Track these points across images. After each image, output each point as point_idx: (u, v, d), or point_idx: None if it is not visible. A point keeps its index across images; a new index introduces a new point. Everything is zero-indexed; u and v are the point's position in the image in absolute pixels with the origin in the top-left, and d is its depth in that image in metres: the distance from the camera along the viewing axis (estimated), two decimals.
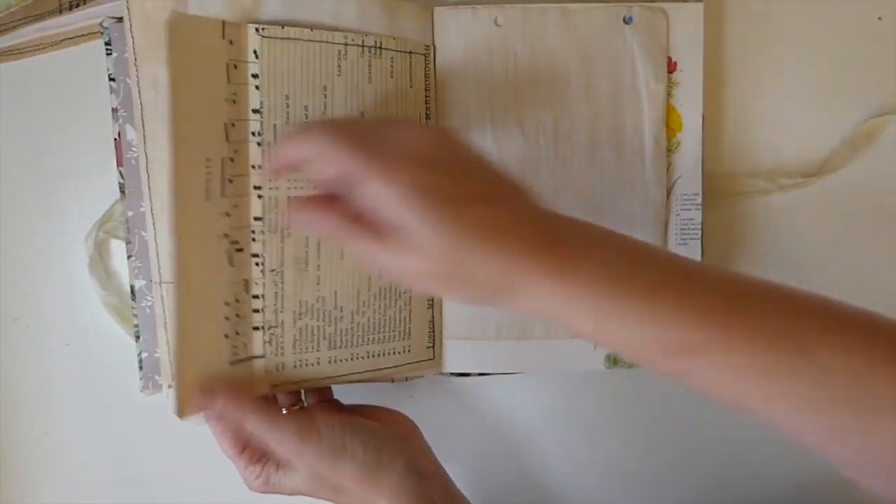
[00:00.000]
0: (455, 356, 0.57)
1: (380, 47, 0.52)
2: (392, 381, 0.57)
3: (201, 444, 0.58)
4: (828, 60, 0.59)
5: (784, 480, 0.62)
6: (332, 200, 0.41)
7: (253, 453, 0.50)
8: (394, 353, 0.55)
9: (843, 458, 0.38)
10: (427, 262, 0.38)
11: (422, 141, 0.40)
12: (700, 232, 0.57)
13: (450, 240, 0.37)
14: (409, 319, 0.55)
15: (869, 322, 0.39)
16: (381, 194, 0.38)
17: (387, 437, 0.50)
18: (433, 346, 0.57)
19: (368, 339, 0.54)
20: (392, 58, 0.53)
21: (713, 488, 0.62)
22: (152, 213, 0.52)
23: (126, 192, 0.53)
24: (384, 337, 0.55)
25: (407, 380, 0.57)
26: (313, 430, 0.48)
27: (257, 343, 0.50)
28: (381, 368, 0.55)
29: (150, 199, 0.52)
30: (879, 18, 0.59)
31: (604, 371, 0.58)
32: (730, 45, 0.58)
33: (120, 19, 0.51)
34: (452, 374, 0.58)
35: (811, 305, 0.39)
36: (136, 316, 0.54)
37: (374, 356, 0.54)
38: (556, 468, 0.61)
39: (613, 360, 0.58)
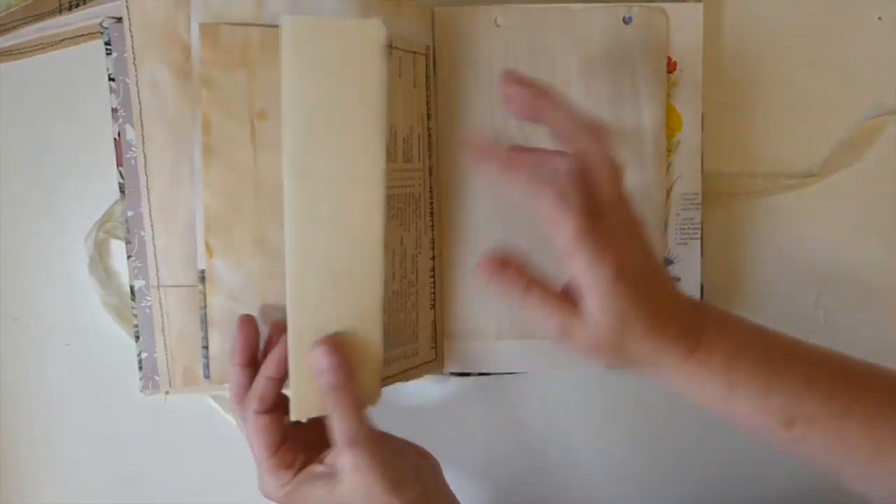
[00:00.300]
0: (456, 356, 0.57)
1: (391, 46, 0.52)
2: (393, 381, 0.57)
3: (201, 444, 0.58)
4: (828, 60, 0.59)
5: (785, 480, 0.62)
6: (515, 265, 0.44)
7: (284, 458, 0.47)
8: (405, 357, 0.55)
9: None
10: (597, 335, 0.43)
11: (625, 226, 0.43)
12: (700, 232, 0.57)
13: (624, 321, 0.42)
14: (417, 322, 0.55)
15: None
16: (591, 274, 0.41)
17: (427, 472, 0.49)
18: (435, 347, 0.57)
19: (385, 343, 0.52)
20: (400, 57, 0.53)
21: (715, 488, 0.62)
22: (150, 214, 0.52)
23: (126, 192, 0.53)
24: (397, 342, 0.54)
25: (408, 380, 0.57)
26: (387, 447, 0.47)
27: None
28: (396, 374, 0.54)
29: (149, 199, 0.51)
30: (879, 18, 0.59)
31: (604, 371, 0.58)
32: (730, 45, 0.58)
33: (120, 19, 0.51)
34: (452, 374, 0.58)
35: None
36: (135, 316, 0.54)
37: (388, 362, 0.53)
38: (556, 468, 0.61)
39: None
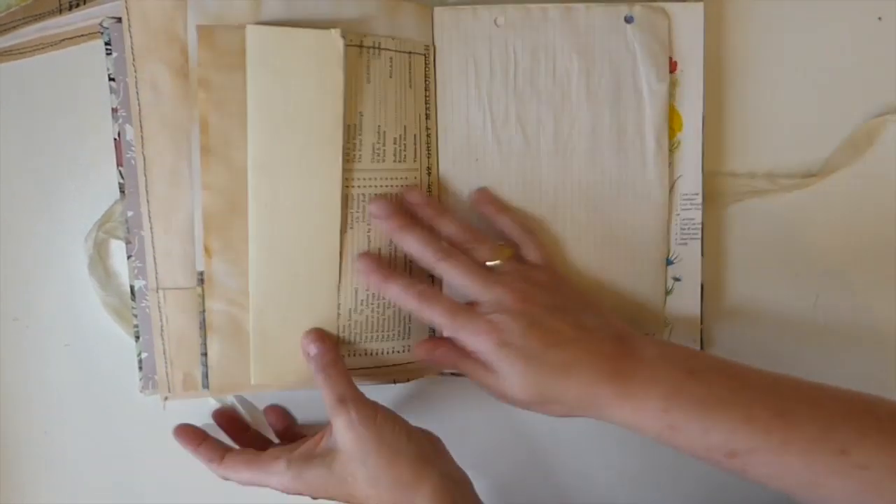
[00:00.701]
0: None
1: (378, 48, 0.52)
2: (395, 381, 0.57)
3: None
4: (828, 60, 0.59)
5: None
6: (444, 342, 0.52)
7: (272, 454, 0.51)
8: (393, 352, 0.55)
9: None
10: (520, 394, 0.48)
11: (517, 296, 0.49)
12: (700, 232, 0.57)
13: (532, 382, 0.47)
14: (409, 319, 0.55)
15: None
16: (477, 349, 0.49)
17: (424, 440, 0.52)
18: None
19: (366, 336, 0.54)
20: (391, 58, 0.53)
21: (715, 488, 0.62)
22: (150, 215, 0.51)
23: (126, 192, 0.53)
24: (382, 336, 0.55)
25: (408, 380, 0.57)
26: (381, 410, 0.50)
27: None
28: (381, 366, 0.55)
29: (148, 200, 0.51)
30: (879, 18, 0.59)
31: None
32: (730, 45, 0.58)
33: (120, 19, 0.51)
34: (452, 374, 0.58)
35: (850, 407, 0.45)
36: (135, 316, 0.54)
37: (372, 354, 0.55)
38: (556, 468, 0.61)
39: None
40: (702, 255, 0.58)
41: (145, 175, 0.51)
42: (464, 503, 0.49)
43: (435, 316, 0.50)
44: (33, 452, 0.57)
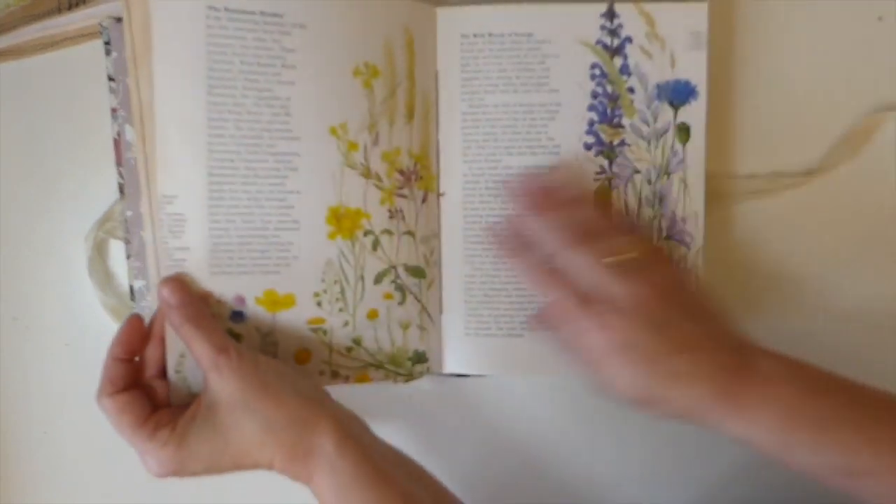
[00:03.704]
0: (455, 356, 0.57)
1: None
2: (394, 381, 0.57)
3: None
4: (828, 60, 0.59)
5: (787, 479, 0.62)
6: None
7: (159, 421, 0.48)
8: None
9: None
10: (628, 393, 0.47)
11: (642, 294, 0.47)
12: (703, 235, 0.57)
13: (643, 385, 0.46)
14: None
15: None
16: (594, 344, 0.47)
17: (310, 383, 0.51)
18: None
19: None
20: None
21: (715, 488, 0.62)
22: (151, 216, 0.51)
23: (125, 192, 0.53)
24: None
25: (408, 380, 0.57)
26: (261, 362, 0.49)
27: None
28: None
29: (149, 200, 0.51)
30: (879, 18, 0.59)
31: None
32: (731, 45, 0.58)
33: (119, 19, 0.51)
34: (452, 374, 0.58)
35: None
36: None
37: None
38: (555, 468, 0.61)
39: None
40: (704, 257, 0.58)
41: (147, 170, 0.50)
42: (361, 436, 0.48)
43: (557, 298, 0.49)
44: (33, 452, 0.57)
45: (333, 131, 0.52)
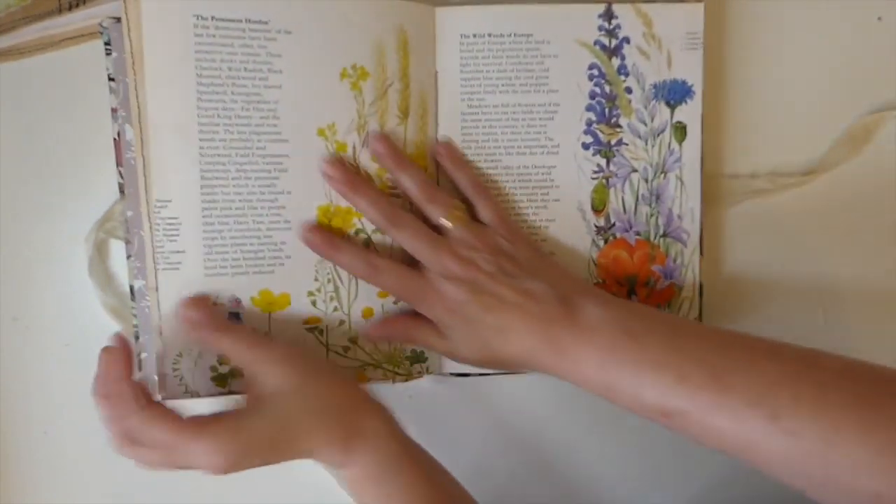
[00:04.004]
0: None
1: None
2: (393, 381, 0.57)
3: None
4: (828, 61, 0.59)
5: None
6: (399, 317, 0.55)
7: (197, 420, 0.46)
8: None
9: (824, 502, 0.42)
10: (468, 355, 0.51)
11: (462, 263, 0.50)
12: (700, 231, 0.57)
13: (476, 346, 0.50)
14: None
15: (844, 380, 0.43)
16: (427, 314, 0.51)
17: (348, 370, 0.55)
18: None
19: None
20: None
21: (714, 489, 0.62)
22: (149, 217, 0.51)
23: (126, 192, 0.53)
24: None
25: (407, 380, 0.57)
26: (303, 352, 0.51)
27: None
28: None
29: (147, 202, 0.51)
30: (879, 18, 0.59)
31: None
32: (730, 45, 0.58)
33: (119, 19, 0.51)
34: (452, 374, 0.58)
35: (790, 368, 0.44)
36: (135, 316, 0.54)
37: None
38: (555, 468, 0.61)
39: None
40: (701, 254, 0.58)
41: (145, 176, 0.51)
42: (401, 426, 0.51)
43: (387, 284, 0.52)
44: (33, 452, 0.57)
45: (321, 133, 0.52)
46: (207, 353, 0.52)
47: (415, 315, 0.53)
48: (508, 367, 0.51)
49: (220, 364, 0.53)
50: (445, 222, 0.52)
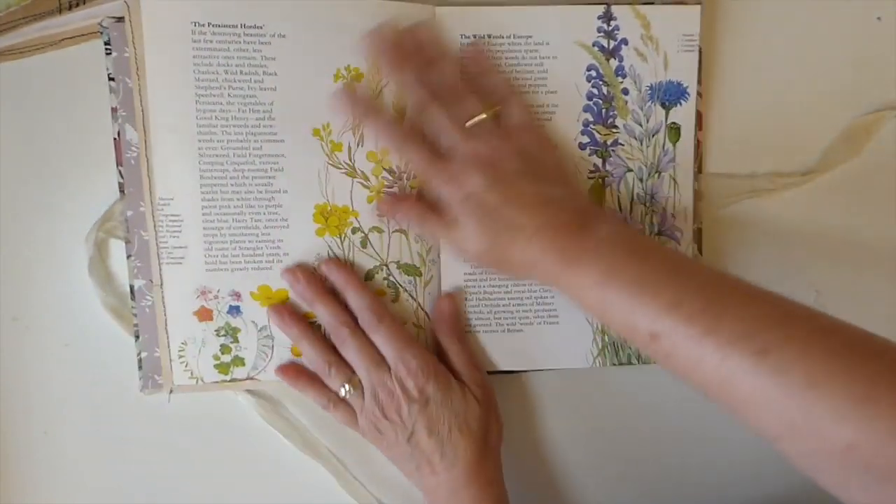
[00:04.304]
0: None
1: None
2: None
3: (201, 443, 0.58)
4: (828, 60, 0.59)
5: (785, 479, 0.62)
6: (410, 197, 0.54)
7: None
8: None
9: (794, 452, 0.41)
10: (474, 246, 0.50)
11: (488, 154, 0.50)
12: (692, 230, 0.58)
13: (486, 237, 0.49)
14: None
15: (836, 331, 0.43)
16: (443, 197, 0.51)
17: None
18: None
19: None
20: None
21: (713, 489, 0.62)
22: (153, 215, 0.52)
23: (126, 191, 0.53)
24: None
25: None
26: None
27: None
28: None
29: (151, 200, 0.52)
30: (879, 18, 0.59)
31: (601, 370, 0.58)
32: (730, 45, 0.58)
33: (120, 19, 0.51)
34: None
35: (785, 312, 0.44)
36: (135, 315, 0.54)
37: None
38: (553, 467, 0.61)
39: (611, 358, 0.58)
40: (701, 254, 0.58)
41: (149, 176, 0.52)
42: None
43: (413, 156, 0.52)
44: (33, 452, 0.57)
45: (317, 133, 0.53)
46: (210, 343, 0.54)
47: (428, 202, 0.53)
48: (510, 269, 0.50)
49: (223, 354, 0.55)
50: (477, 118, 0.52)
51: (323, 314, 0.54)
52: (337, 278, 0.54)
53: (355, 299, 0.54)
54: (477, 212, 0.49)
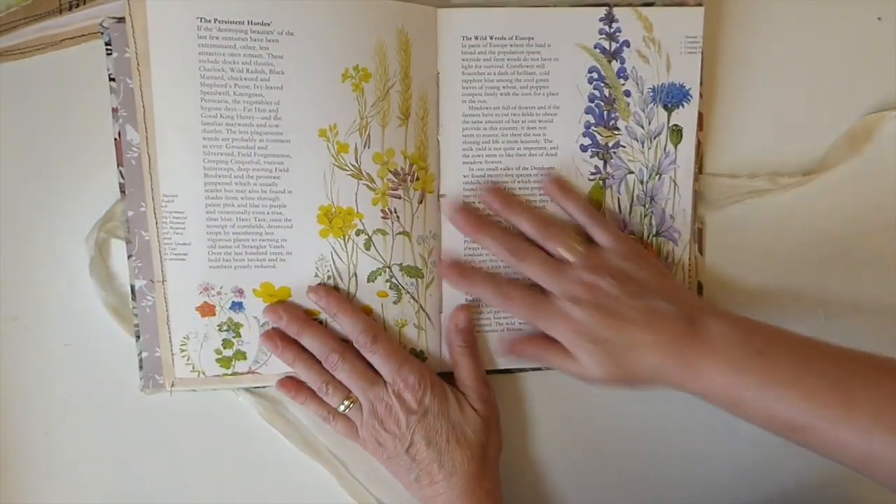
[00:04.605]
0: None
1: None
2: None
3: (201, 443, 0.58)
4: (828, 61, 0.59)
5: (783, 480, 0.62)
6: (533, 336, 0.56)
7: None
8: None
9: None
10: (598, 374, 0.52)
11: (585, 288, 0.52)
12: (691, 232, 0.58)
13: (606, 364, 0.51)
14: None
15: None
16: (556, 337, 0.53)
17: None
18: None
19: None
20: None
21: (713, 487, 0.62)
22: (155, 214, 0.52)
23: (126, 191, 0.53)
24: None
25: None
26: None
27: None
28: None
29: (154, 197, 0.52)
30: (879, 18, 0.59)
31: None
32: (731, 45, 0.58)
33: (120, 19, 0.51)
34: (452, 373, 0.58)
35: None
36: (136, 315, 0.54)
37: None
38: (553, 466, 0.61)
39: None
40: (701, 254, 0.58)
41: (150, 172, 0.52)
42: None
43: (517, 309, 0.54)
44: (33, 452, 0.57)
45: (323, 133, 0.52)
46: (212, 337, 0.55)
47: (545, 337, 0.54)
48: (638, 383, 0.52)
49: (225, 348, 0.55)
50: (565, 254, 0.54)
51: (311, 344, 0.54)
52: (326, 305, 0.54)
53: (347, 323, 0.54)
54: (588, 345, 0.51)
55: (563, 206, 0.56)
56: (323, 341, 0.54)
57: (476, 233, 0.55)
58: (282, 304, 0.55)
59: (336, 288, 0.55)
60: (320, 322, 0.55)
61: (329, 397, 0.55)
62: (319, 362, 0.55)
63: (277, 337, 0.55)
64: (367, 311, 0.55)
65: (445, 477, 0.53)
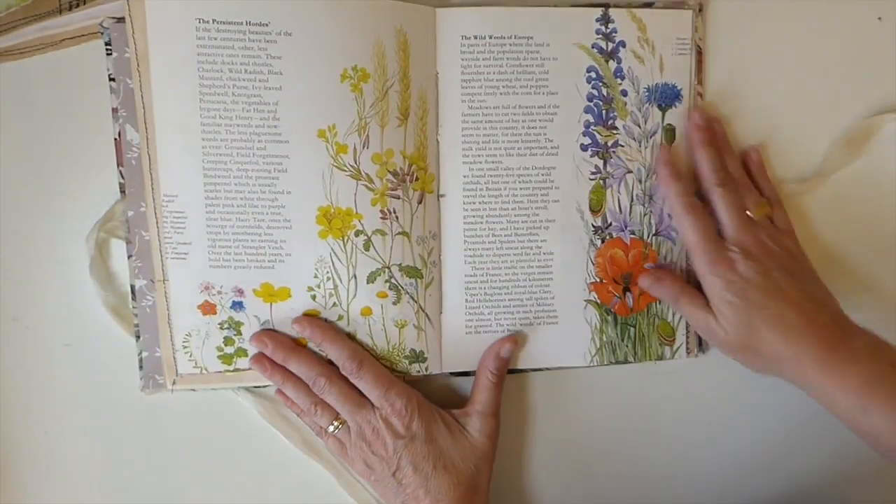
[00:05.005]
0: (455, 356, 0.57)
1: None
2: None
3: (202, 444, 0.58)
4: (828, 61, 0.59)
5: (782, 480, 0.62)
6: (672, 274, 0.57)
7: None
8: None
9: None
10: (730, 333, 0.52)
11: (761, 248, 0.53)
12: None
13: (744, 325, 0.51)
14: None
15: None
16: (706, 283, 0.53)
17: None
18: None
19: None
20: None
21: (712, 485, 0.62)
22: (155, 214, 0.52)
23: (126, 192, 0.53)
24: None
25: (405, 379, 0.57)
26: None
27: None
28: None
29: (154, 197, 0.52)
30: (879, 18, 0.59)
31: (604, 370, 0.58)
32: (729, 47, 0.58)
33: (120, 19, 0.51)
34: (452, 374, 0.58)
35: None
36: (136, 315, 0.54)
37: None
38: (553, 466, 0.61)
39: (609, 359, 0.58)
40: None
41: (151, 174, 0.52)
42: None
43: (691, 229, 0.54)
44: (33, 452, 0.57)
45: (322, 134, 0.52)
46: (213, 335, 0.55)
47: (687, 282, 0.55)
48: (754, 360, 0.52)
49: (227, 345, 0.55)
50: (753, 209, 0.55)
51: (298, 370, 0.55)
52: (311, 335, 0.55)
53: (333, 351, 0.54)
54: (737, 301, 0.51)
55: (756, 179, 0.57)
56: (310, 367, 0.54)
57: (700, 144, 0.56)
58: (266, 332, 0.55)
59: (322, 318, 0.55)
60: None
61: (318, 418, 0.55)
62: (308, 387, 0.55)
63: (266, 360, 0.55)
64: (366, 313, 0.55)
65: (432, 502, 0.53)
